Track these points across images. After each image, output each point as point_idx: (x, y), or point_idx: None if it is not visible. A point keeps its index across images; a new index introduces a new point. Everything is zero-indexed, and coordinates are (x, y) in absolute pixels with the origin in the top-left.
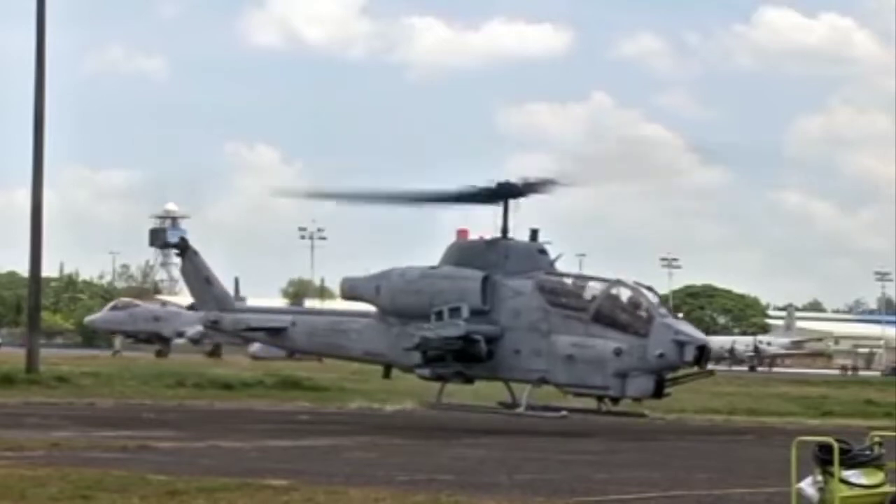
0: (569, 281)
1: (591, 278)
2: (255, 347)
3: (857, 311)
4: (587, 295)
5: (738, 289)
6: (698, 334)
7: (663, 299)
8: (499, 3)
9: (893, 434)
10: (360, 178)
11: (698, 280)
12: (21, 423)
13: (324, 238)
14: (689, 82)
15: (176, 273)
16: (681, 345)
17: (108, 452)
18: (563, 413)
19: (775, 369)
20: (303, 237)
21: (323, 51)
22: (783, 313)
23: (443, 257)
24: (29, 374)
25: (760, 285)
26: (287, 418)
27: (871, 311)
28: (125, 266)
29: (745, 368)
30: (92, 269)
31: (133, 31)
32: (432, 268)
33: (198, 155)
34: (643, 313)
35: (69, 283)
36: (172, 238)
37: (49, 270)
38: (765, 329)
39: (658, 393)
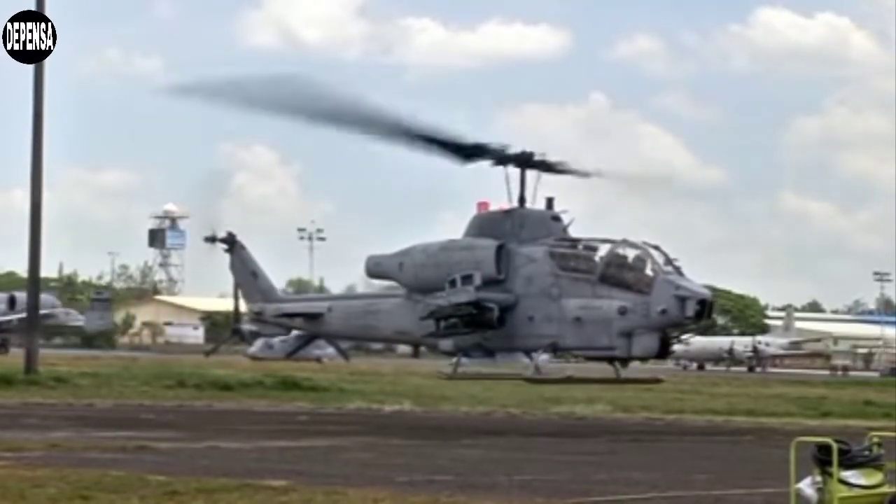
0: (577, 244)
1: (600, 241)
2: (255, 348)
3: (856, 312)
4: (594, 256)
5: (737, 289)
6: (700, 289)
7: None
8: (495, 5)
9: (892, 435)
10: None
11: (697, 280)
12: (20, 424)
13: (322, 239)
14: (686, 83)
15: (175, 273)
16: (682, 300)
17: (107, 453)
18: (569, 374)
19: (770, 370)
20: (302, 238)
21: (320, 52)
22: (782, 314)
23: (465, 230)
24: (28, 374)
25: (759, 286)
26: (286, 419)
27: (870, 312)
28: (124, 267)
29: (744, 369)
30: (91, 269)
31: (131, 31)
32: (452, 241)
33: (196, 156)
34: (647, 271)
35: (68, 283)
36: (220, 233)
37: (48, 271)
38: (764, 329)
39: (663, 353)
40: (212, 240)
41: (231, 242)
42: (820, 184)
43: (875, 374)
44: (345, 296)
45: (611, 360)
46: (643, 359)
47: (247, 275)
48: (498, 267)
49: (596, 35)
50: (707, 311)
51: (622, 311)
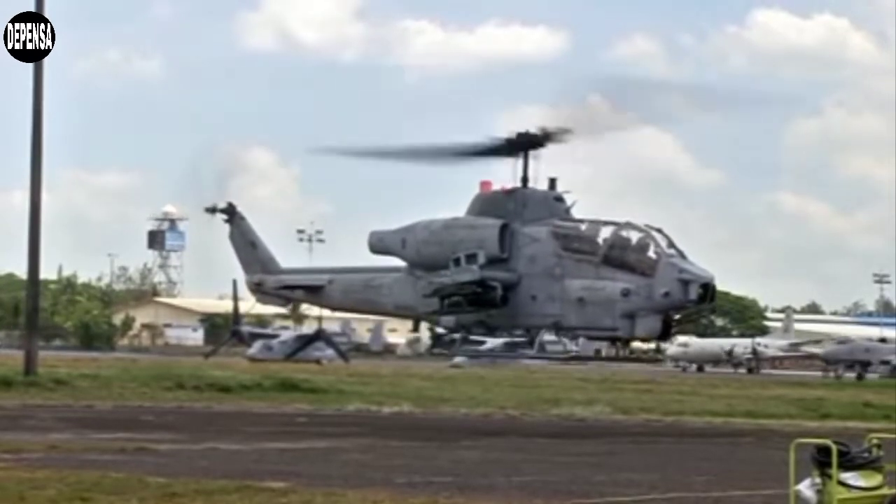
0: (581, 226)
1: (603, 223)
2: (254, 349)
3: (855, 314)
4: (598, 238)
5: (736, 291)
6: (703, 272)
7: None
8: (493, 6)
9: (891, 436)
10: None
11: None
12: (19, 426)
13: (322, 240)
14: (684, 84)
15: (174, 275)
16: (685, 283)
17: (107, 454)
18: (572, 353)
19: (767, 371)
20: (301, 239)
21: (318, 53)
22: (781, 315)
23: (468, 209)
24: (27, 376)
25: (759, 287)
26: (285, 420)
27: (870, 314)
28: (123, 268)
29: (742, 371)
30: (90, 271)
31: (130, 32)
32: (456, 218)
33: (195, 156)
34: (651, 254)
35: (68, 285)
36: (220, 203)
37: (47, 273)
38: (763, 331)
39: (666, 334)
40: (212, 210)
41: (231, 213)
42: (819, 185)
43: (874, 376)
44: (346, 269)
45: (613, 340)
46: (646, 340)
47: (246, 245)
48: (501, 246)
49: (594, 36)
50: (710, 294)
51: (625, 293)
